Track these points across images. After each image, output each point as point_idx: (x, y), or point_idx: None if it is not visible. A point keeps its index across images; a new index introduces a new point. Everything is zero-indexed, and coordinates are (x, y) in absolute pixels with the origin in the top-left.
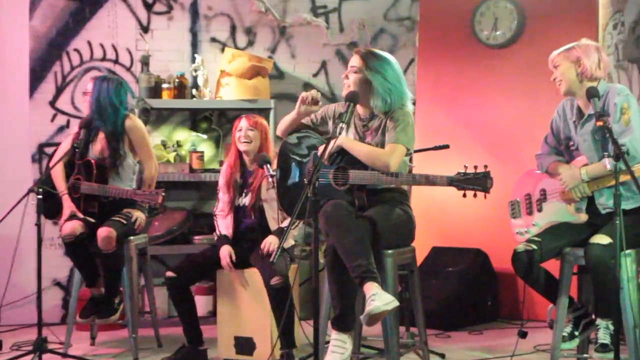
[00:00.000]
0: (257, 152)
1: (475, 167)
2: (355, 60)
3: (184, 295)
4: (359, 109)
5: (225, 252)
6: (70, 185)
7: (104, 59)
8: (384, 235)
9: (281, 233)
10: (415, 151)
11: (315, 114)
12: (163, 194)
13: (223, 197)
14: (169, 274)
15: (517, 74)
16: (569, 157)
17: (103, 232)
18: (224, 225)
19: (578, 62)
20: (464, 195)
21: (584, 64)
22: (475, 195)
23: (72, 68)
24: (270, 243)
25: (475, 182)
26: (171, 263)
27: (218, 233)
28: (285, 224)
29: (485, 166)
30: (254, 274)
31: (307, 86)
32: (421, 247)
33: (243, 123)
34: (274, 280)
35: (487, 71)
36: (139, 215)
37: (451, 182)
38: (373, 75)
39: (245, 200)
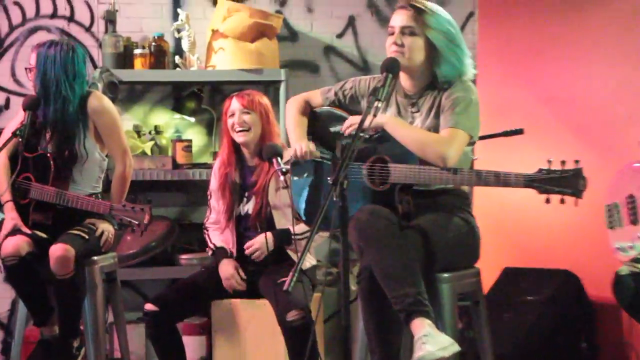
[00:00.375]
0: (258, 141)
1: (563, 163)
2: (405, 19)
3: (169, 336)
4: (404, 81)
5: (228, 268)
6: (16, 186)
7: (54, 15)
8: (438, 253)
9: (284, 236)
10: (479, 138)
11: (342, 91)
12: (150, 211)
13: (216, 204)
14: (149, 307)
15: (619, 28)
16: None
17: (57, 250)
18: (219, 239)
19: None
20: (547, 201)
21: None
22: (562, 201)
23: (12, 29)
24: (257, 247)
25: (563, 182)
26: (150, 292)
27: (212, 246)
28: (299, 229)
29: (577, 161)
30: (262, 307)
31: (329, 51)
32: (489, 269)
33: (234, 105)
34: (291, 315)
35: (576, 26)
36: (105, 228)
37: (530, 182)
38: (436, 36)
39: (248, 206)
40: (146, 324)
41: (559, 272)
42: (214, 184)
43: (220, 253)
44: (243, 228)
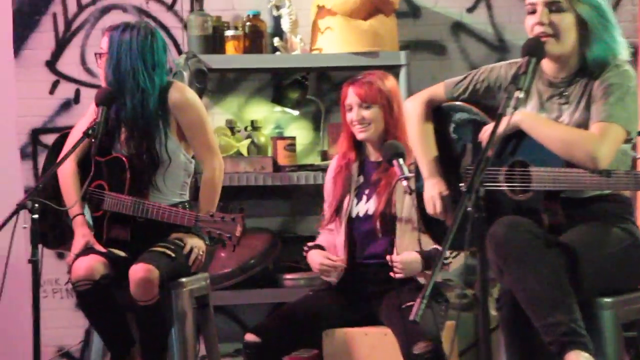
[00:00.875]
0: (382, 135)
1: None
2: None
3: None
4: (548, 67)
5: (316, 257)
6: (88, 196)
7: None
8: (595, 273)
9: (431, 259)
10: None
11: (475, 81)
12: (242, 221)
13: (330, 204)
14: (250, 337)
15: None
16: None
17: (139, 271)
18: (323, 239)
19: None
20: None
21: None
22: None
23: (81, 8)
24: (401, 268)
25: None
26: (250, 320)
27: (309, 244)
28: (427, 246)
29: None
30: (383, 337)
31: (458, 28)
32: None
33: (351, 97)
34: (419, 348)
35: None
36: (194, 244)
37: None
38: (586, 10)
39: (368, 206)
40: (246, 357)
41: None
42: (328, 179)
43: (313, 248)
44: (358, 232)
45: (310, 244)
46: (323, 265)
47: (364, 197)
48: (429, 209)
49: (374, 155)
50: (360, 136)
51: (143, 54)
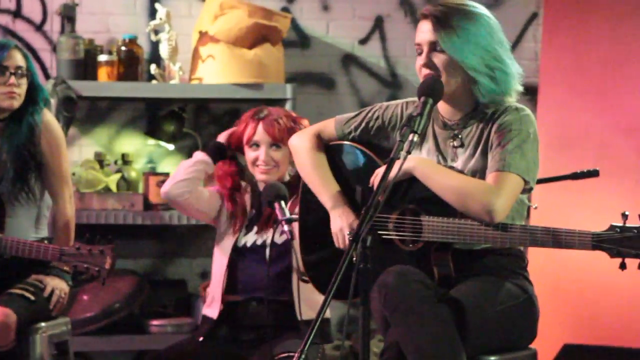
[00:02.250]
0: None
1: None
2: (425, 32)
3: None
4: (442, 108)
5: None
6: None
7: None
8: (484, 330)
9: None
10: (539, 181)
11: (368, 121)
12: (113, 253)
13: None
14: None
15: None
16: None
17: None
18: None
19: None
20: (622, 267)
21: None
22: None
23: None
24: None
25: None
26: None
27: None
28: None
29: None
30: None
31: (350, 61)
32: (544, 345)
33: (261, 135)
34: None
35: None
36: (56, 285)
37: (599, 244)
38: (460, 57)
39: (256, 237)
40: None
41: (638, 353)
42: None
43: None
44: (242, 262)
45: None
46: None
47: (254, 228)
48: (338, 243)
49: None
50: (261, 177)
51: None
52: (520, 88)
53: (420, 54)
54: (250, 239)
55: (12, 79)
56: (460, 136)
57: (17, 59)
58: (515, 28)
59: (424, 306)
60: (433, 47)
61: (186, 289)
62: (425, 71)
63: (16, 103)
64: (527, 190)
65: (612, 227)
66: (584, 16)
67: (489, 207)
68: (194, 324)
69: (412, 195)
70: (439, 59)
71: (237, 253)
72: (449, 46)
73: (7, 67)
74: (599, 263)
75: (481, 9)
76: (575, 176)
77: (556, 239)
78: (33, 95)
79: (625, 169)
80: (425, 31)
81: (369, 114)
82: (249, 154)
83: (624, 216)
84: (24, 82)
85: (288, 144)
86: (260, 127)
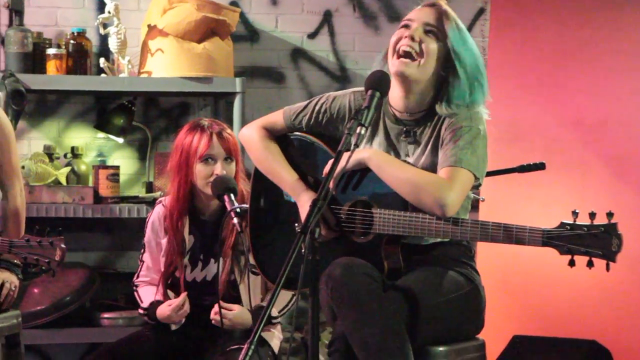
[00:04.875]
0: None
1: (592, 216)
2: (432, 16)
3: None
4: (397, 101)
5: (165, 310)
6: None
7: None
8: (431, 320)
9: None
10: (488, 174)
11: (317, 110)
12: (63, 244)
13: (151, 258)
14: None
15: None
16: None
17: None
18: (151, 294)
19: None
20: (571, 264)
21: None
22: (590, 264)
23: None
24: (234, 323)
25: (591, 241)
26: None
27: (144, 306)
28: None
29: (610, 214)
30: None
31: (299, 55)
32: (494, 337)
33: (216, 149)
34: None
35: (615, 30)
36: (6, 278)
37: (549, 241)
38: (457, 49)
39: (208, 272)
40: None
41: (584, 343)
42: (150, 235)
43: (154, 307)
44: (197, 297)
45: (146, 304)
46: (179, 312)
47: (200, 263)
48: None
49: (208, 213)
50: (208, 191)
51: None
52: (485, 110)
53: (406, 27)
54: (198, 275)
55: None
56: (414, 131)
57: None
58: (462, 23)
59: (370, 299)
60: (426, 27)
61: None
62: (407, 43)
63: None
64: (475, 186)
65: (562, 225)
66: (531, 11)
67: (442, 201)
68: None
69: (365, 187)
70: (430, 44)
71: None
72: (454, 36)
73: None
74: (547, 257)
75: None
76: (522, 169)
77: (507, 234)
78: None
79: (571, 162)
80: (427, 14)
81: (317, 106)
82: (201, 168)
83: (574, 214)
84: None
85: (239, 136)
86: (216, 140)
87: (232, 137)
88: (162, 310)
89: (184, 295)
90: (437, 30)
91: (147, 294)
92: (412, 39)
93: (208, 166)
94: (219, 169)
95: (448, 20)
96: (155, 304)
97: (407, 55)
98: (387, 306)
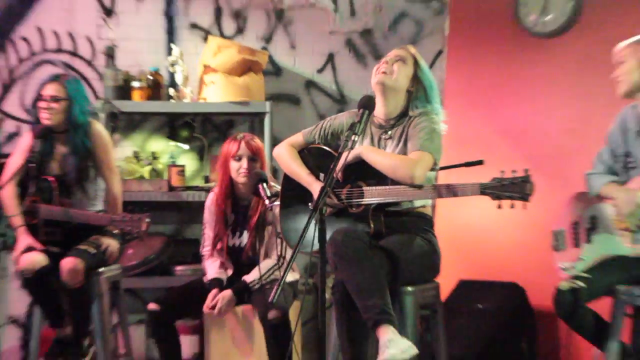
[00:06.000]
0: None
1: (513, 172)
2: (401, 52)
3: (169, 333)
4: (380, 112)
5: (213, 295)
6: (26, 209)
7: (59, 50)
8: (403, 269)
9: (243, 289)
10: (441, 168)
11: (325, 129)
12: (148, 219)
13: (210, 231)
14: (152, 306)
15: (570, 69)
16: (626, 177)
17: (68, 263)
18: (214, 268)
19: None
20: (499, 207)
21: None
22: (512, 206)
23: (20, 61)
24: (219, 306)
25: (513, 188)
26: (150, 298)
27: (208, 278)
28: (264, 266)
29: (526, 170)
30: (248, 310)
31: (311, 85)
32: (446, 281)
33: (243, 151)
34: (272, 315)
35: (533, 66)
36: (110, 243)
37: (484, 189)
38: (424, 75)
39: (241, 240)
40: (149, 321)
41: (508, 285)
42: (207, 215)
43: (214, 284)
44: (236, 258)
45: (206, 281)
46: (213, 310)
47: (238, 233)
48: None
49: (244, 198)
50: (242, 180)
51: (86, 99)
52: (441, 117)
53: (386, 62)
54: (238, 241)
55: (44, 105)
56: (390, 132)
57: (52, 89)
58: (427, 61)
59: (361, 256)
60: (399, 59)
61: (199, 245)
62: (384, 67)
63: (50, 122)
64: (434, 169)
65: (493, 179)
66: (477, 53)
67: (412, 173)
68: (204, 269)
69: (360, 173)
70: (400, 67)
71: (232, 250)
72: (411, 64)
73: (42, 95)
74: (486, 221)
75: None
76: (467, 164)
77: (454, 190)
78: (72, 117)
79: (503, 159)
80: (398, 52)
81: (324, 126)
82: (234, 165)
83: (502, 172)
84: (58, 108)
85: (273, 153)
86: (243, 145)
87: (256, 142)
88: (211, 297)
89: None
90: (405, 60)
91: (210, 268)
92: (387, 63)
93: (238, 163)
94: (244, 164)
95: (412, 56)
96: (214, 282)
97: (384, 72)
98: (372, 260)
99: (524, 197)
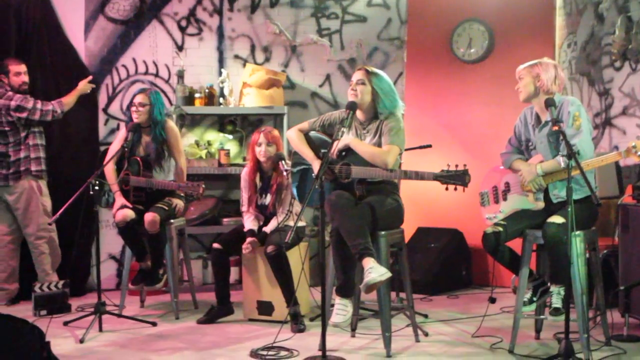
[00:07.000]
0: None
1: (457, 166)
2: (360, 75)
3: (225, 264)
4: (359, 114)
5: (247, 242)
6: (120, 179)
7: (146, 73)
8: (379, 219)
9: (263, 237)
10: (405, 150)
11: (324, 121)
12: (203, 185)
13: (245, 194)
14: (216, 245)
15: (488, 85)
16: (528, 155)
17: (149, 216)
18: (250, 221)
19: (537, 77)
20: (446, 189)
21: (542, 80)
22: (455, 189)
23: (121, 81)
24: (251, 243)
25: (456, 178)
26: (206, 241)
27: (244, 230)
28: (275, 223)
29: (465, 165)
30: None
31: (315, 95)
32: (409, 228)
33: (262, 139)
34: (269, 249)
35: (463, 83)
36: (178, 202)
37: (436, 178)
38: (377, 86)
39: (266, 200)
40: (213, 256)
41: (451, 230)
42: (243, 183)
43: (249, 234)
44: (263, 212)
45: (245, 230)
46: (246, 250)
47: (264, 195)
48: (315, 171)
49: (267, 171)
50: (263, 159)
51: (163, 103)
52: (403, 108)
53: (351, 85)
54: (264, 200)
55: (134, 108)
56: (367, 128)
57: (140, 98)
58: (392, 79)
59: (349, 209)
60: (363, 82)
61: (239, 204)
62: (351, 92)
63: (138, 120)
64: (400, 154)
65: (442, 170)
66: (426, 72)
67: (385, 161)
68: (243, 222)
69: (349, 156)
70: (360, 88)
71: (262, 207)
72: (374, 80)
73: (133, 102)
74: (434, 186)
75: (383, 73)
76: (420, 147)
77: (417, 175)
78: (153, 117)
79: (446, 145)
80: (360, 75)
81: (324, 118)
82: (257, 149)
83: (448, 165)
84: (144, 111)
85: (286, 134)
86: (262, 135)
87: (272, 133)
88: (246, 243)
89: (249, 244)
90: (364, 82)
91: (247, 222)
92: (353, 89)
93: (259, 148)
94: (263, 148)
95: (369, 74)
96: (249, 232)
97: (353, 94)
98: (357, 213)
99: (464, 183)
